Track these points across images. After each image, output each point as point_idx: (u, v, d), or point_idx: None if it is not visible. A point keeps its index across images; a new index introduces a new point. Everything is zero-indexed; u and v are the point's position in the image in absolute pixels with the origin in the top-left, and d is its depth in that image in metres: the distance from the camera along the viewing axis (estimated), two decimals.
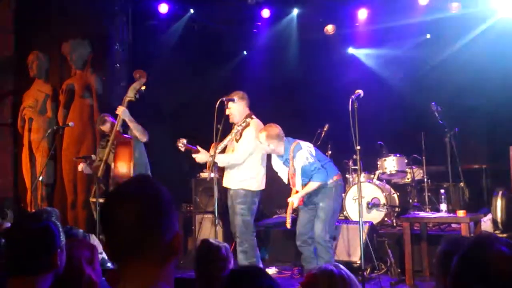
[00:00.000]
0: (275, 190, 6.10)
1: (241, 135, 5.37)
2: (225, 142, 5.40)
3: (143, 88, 5.56)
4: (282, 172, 5.32)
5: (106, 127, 5.88)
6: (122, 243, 1.39)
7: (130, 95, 5.56)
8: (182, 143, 5.42)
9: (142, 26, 8.16)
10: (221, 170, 5.68)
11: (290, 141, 5.18)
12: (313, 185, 5.08)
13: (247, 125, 5.33)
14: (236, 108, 5.38)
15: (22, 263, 1.99)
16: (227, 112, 5.43)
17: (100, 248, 3.29)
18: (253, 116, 5.43)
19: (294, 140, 5.18)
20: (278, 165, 5.35)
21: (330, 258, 5.04)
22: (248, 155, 5.32)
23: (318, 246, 5.11)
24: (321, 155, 5.33)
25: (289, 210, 5.18)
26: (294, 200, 5.15)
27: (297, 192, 5.16)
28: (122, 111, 5.51)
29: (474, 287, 1.42)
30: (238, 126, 5.35)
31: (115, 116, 5.76)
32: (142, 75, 5.62)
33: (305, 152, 5.07)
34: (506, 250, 1.43)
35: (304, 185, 5.13)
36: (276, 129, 5.12)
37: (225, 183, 5.51)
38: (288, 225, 5.20)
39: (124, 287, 1.39)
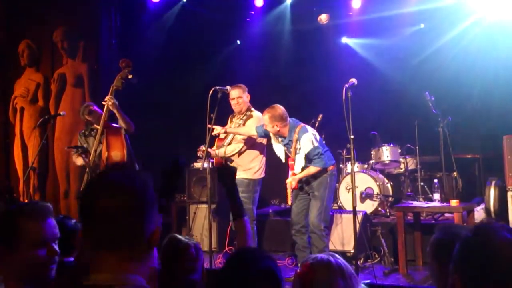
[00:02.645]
0: (270, 180, 6.12)
1: (244, 125, 5.57)
2: (229, 137, 5.58)
3: (130, 76, 5.52)
4: (280, 151, 5.39)
5: (91, 117, 5.82)
6: (102, 233, 1.37)
7: (117, 84, 5.52)
8: (201, 150, 5.56)
9: (134, 14, 8.08)
10: (221, 163, 5.78)
11: (295, 123, 5.22)
12: (312, 170, 5.12)
13: (250, 117, 5.56)
14: (244, 99, 5.60)
15: None
16: (235, 101, 5.61)
17: None
18: (253, 109, 5.66)
19: (299, 123, 5.24)
20: (276, 145, 5.44)
21: (325, 247, 5.06)
22: (248, 135, 5.52)
23: (312, 235, 5.14)
24: (322, 142, 5.39)
25: (289, 190, 5.33)
26: (292, 182, 5.20)
27: (294, 174, 5.22)
28: (111, 103, 5.47)
29: (477, 273, 1.41)
30: (239, 119, 5.53)
31: (100, 106, 5.71)
32: (128, 64, 5.58)
33: (311, 135, 5.11)
34: (510, 236, 1.42)
35: (303, 168, 5.18)
36: (279, 109, 5.17)
37: None
38: (290, 202, 5.45)
39: (95, 277, 1.37)
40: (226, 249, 6.18)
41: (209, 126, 5.41)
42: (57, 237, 2.03)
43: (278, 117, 5.12)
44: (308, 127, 5.25)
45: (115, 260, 1.36)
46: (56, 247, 2.01)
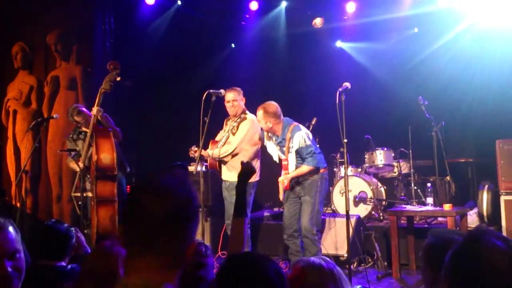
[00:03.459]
0: (264, 184, 6.11)
1: (237, 128, 5.53)
2: (223, 140, 5.55)
3: (118, 79, 5.52)
4: (272, 150, 5.39)
5: (80, 118, 5.83)
6: (145, 235, 1.35)
7: (105, 86, 5.52)
8: (193, 151, 5.56)
9: (129, 17, 8.07)
10: (215, 165, 5.76)
11: (289, 121, 5.23)
12: (304, 169, 5.11)
13: (244, 119, 5.53)
14: (239, 102, 5.58)
15: None
16: (230, 104, 5.59)
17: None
18: (247, 112, 5.62)
19: (293, 122, 5.24)
20: (269, 143, 5.45)
21: (317, 251, 5.05)
22: (242, 144, 5.47)
23: (305, 240, 5.13)
24: (315, 144, 5.39)
25: (281, 188, 5.27)
26: (284, 180, 5.19)
27: (287, 174, 5.22)
28: (100, 114, 5.47)
29: (468, 281, 1.40)
30: (233, 122, 5.52)
31: (88, 108, 5.72)
32: (116, 66, 5.58)
33: (303, 133, 5.10)
34: (501, 244, 1.41)
35: (296, 167, 5.17)
36: (273, 106, 5.19)
37: (224, 177, 5.65)
38: (281, 197, 5.36)
39: (127, 282, 1.35)
40: (219, 253, 6.16)
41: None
42: (11, 252, 1.96)
43: (272, 113, 5.14)
44: (302, 126, 5.27)
45: (152, 265, 1.34)
46: (10, 263, 1.93)
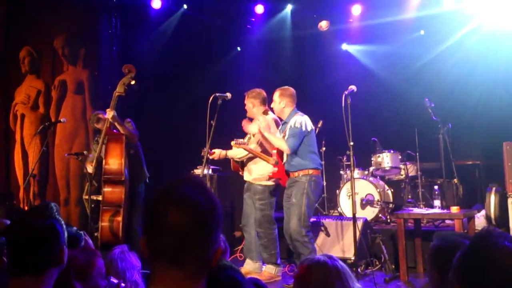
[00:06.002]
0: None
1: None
2: (245, 139, 5.56)
3: (133, 82, 5.54)
4: None
5: (100, 125, 5.84)
6: (169, 247, 1.32)
7: (120, 90, 5.53)
8: (212, 153, 5.55)
9: (135, 21, 8.11)
10: (238, 167, 5.75)
11: (297, 111, 5.25)
12: (278, 141, 5.11)
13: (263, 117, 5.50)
14: (250, 104, 5.61)
15: (26, 263, 1.90)
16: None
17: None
18: (269, 112, 5.61)
19: (300, 112, 5.25)
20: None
21: (311, 252, 4.95)
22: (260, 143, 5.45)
23: (296, 243, 5.00)
24: (314, 144, 5.29)
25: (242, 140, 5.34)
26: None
27: (277, 155, 5.24)
28: (111, 115, 5.45)
29: (478, 281, 1.40)
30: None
31: (102, 110, 5.74)
32: (131, 70, 5.59)
33: (302, 119, 5.10)
34: (509, 244, 1.41)
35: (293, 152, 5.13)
36: (291, 89, 5.34)
37: (246, 177, 5.65)
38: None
39: None
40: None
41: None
42: None
43: (289, 94, 5.26)
44: (306, 116, 5.20)
45: (179, 277, 1.32)
46: None
